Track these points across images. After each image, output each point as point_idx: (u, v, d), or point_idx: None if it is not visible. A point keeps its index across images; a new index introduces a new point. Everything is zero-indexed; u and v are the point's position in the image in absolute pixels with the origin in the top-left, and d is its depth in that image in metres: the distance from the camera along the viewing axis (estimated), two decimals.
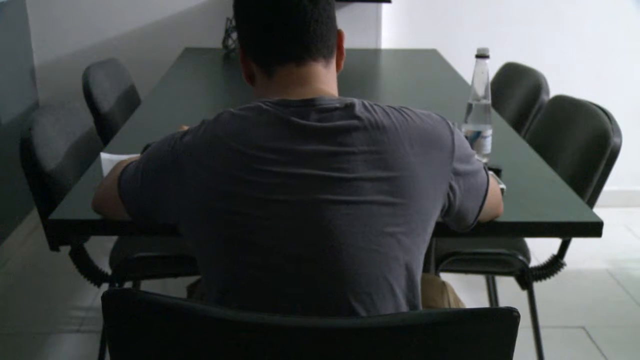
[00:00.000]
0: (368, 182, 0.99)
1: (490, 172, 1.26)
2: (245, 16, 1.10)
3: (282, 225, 0.98)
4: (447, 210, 1.11)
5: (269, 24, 1.07)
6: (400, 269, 1.02)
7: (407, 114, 1.05)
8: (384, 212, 1.00)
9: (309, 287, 0.99)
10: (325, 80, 1.11)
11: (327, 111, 1.02)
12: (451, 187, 1.07)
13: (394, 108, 1.05)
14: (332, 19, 1.11)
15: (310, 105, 1.03)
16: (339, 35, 1.15)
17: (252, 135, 1.00)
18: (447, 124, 1.08)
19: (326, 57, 1.11)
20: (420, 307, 1.10)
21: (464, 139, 1.10)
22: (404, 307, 1.05)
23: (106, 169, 1.51)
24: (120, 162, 1.30)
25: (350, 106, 1.03)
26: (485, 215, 1.25)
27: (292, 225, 0.98)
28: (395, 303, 1.03)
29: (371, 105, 1.04)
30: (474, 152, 1.13)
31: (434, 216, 1.07)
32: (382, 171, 1.00)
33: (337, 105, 1.03)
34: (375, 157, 1.00)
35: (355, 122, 1.01)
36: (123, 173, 1.16)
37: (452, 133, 1.07)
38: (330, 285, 0.99)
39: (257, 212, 0.98)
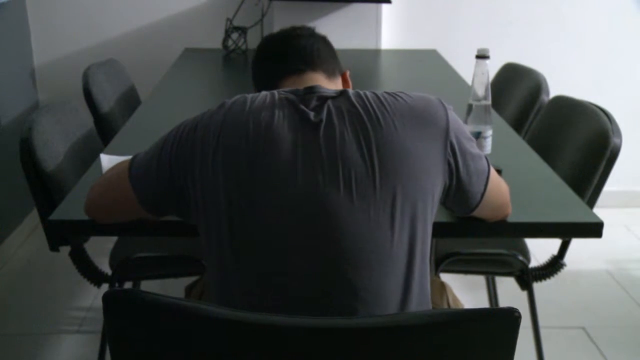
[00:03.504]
0: (362, 162, 1.04)
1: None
2: (257, 58, 1.31)
3: (284, 201, 1.03)
4: (447, 190, 1.13)
5: (273, 54, 1.27)
6: (400, 246, 1.05)
7: (399, 96, 1.11)
8: (382, 191, 1.03)
9: (311, 263, 1.02)
10: (328, 86, 1.18)
11: (325, 98, 1.10)
12: (449, 164, 1.10)
13: (388, 92, 1.12)
14: (325, 49, 1.28)
15: (312, 92, 1.11)
16: (344, 74, 1.31)
17: (265, 118, 1.07)
18: (441, 103, 1.13)
19: (327, 73, 1.24)
20: (429, 292, 1.13)
21: (459, 120, 1.14)
22: (409, 287, 1.07)
23: (106, 169, 1.50)
24: (116, 164, 1.30)
25: (344, 93, 1.11)
26: (492, 213, 1.27)
27: (293, 201, 1.03)
28: (397, 281, 1.05)
29: (364, 93, 1.11)
30: (473, 138, 1.16)
31: (436, 194, 1.10)
32: (376, 151, 1.04)
33: (333, 94, 1.11)
34: (368, 138, 1.05)
35: (348, 106, 1.08)
36: (133, 163, 1.19)
37: (446, 111, 1.11)
38: (331, 260, 1.02)
39: (264, 188, 1.03)
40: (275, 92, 1.13)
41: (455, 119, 1.12)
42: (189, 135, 1.10)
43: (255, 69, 1.31)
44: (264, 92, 1.13)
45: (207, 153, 1.07)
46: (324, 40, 1.30)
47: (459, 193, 1.15)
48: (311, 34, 1.29)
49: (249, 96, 1.12)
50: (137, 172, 1.17)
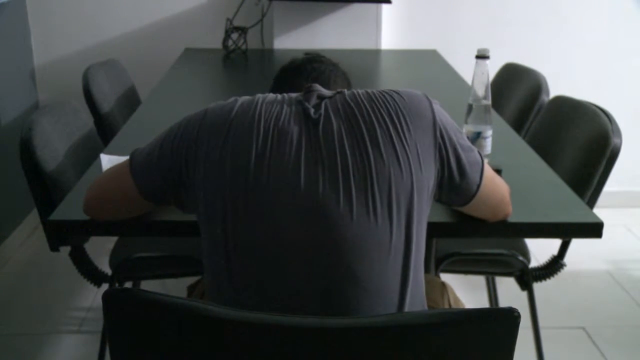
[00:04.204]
0: (359, 157, 1.07)
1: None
2: (277, 73, 1.37)
3: (288, 199, 1.05)
4: (440, 181, 1.15)
5: (292, 69, 1.34)
6: (399, 238, 1.07)
7: (386, 92, 1.15)
8: (379, 184, 1.06)
9: (313, 258, 1.04)
10: None
11: (323, 97, 1.15)
12: (440, 154, 1.13)
13: (378, 90, 1.16)
14: (342, 80, 1.34)
15: (311, 91, 1.16)
16: None
17: (274, 112, 1.11)
18: (426, 97, 1.17)
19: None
20: (423, 284, 1.14)
21: (446, 113, 1.18)
22: (407, 278, 1.08)
23: (106, 169, 1.50)
24: (111, 167, 1.30)
25: (341, 92, 1.16)
26: (491, 211, 1.29)
27: (296, 199, 1.05)
28: (396, 272, 1.07)
29: (357, 91, 1.16)
30: (462, 131, 1.20)
31: (430, 186, 1.12)
32: (370, 146, 1.07)
33: (330, 94, 1.15)
34: (362, 134, 1.08)
35: (343, 104, 1.12)
36: (134, 154, 1.21)
37: (431, 104, 1.15)
38: (334, 254, 1.04)
39: (270, 186, 1.06)
40: (285, 94, 1.18)
41: (441, 111, 1.16)
42: (195, 125, 1.13)
43: (274, 83, 1.37)
44: (274, 94, 1.18)
45: (215, 143, 1.09)
46: (344, 75, 1.37)
47: (452, 184, 1.16)
48: (334, 64, 1.37)
49: (260, 95, 1.17)
50: (138, 161, 1.19)
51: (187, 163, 1.12)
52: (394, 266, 1.07)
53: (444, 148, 1.13)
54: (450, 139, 1.14)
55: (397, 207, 1.06)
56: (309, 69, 1.32)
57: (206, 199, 1.09)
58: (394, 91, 1.16)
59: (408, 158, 1.08)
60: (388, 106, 1.12)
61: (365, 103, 1.12)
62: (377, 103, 1.12)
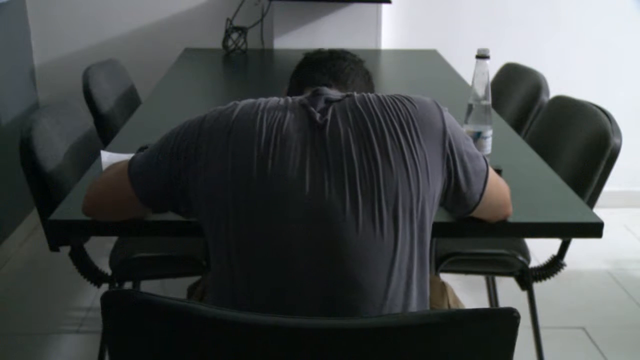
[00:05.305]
0: (366, 164, 1.05)
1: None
2: (299, 63, 1.35)
3: (292, 205, 1.04)
4: (446, 190, 1.14)
5: (312, 62, 1.31)
6: (404, 246, 1.06)
7: (398, 99, 1.13)
8: (385, 192, 1.05)
9: (316, 266, 1.03)
10: None
11: (332, 101, 1.12)
12: (448, 164, 1.12)
13: (389, 95, 1.14)
14: (361, 80, 1.30)
15: (319, 94, 1.15)
16: None
17: (277, 118, 1.10)
18: (437, 104, 1.15)
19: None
20: (428, 293, 1.13)
21: (455, 121, 1.16)
22: (410, 287, 1.07)
23: (106, 165, 1.50)
24: (115, 164, 1.30)
25: (350, 96, 1.13)
26: (492, 213, 1.28)
27: (301, 205, 1.04)
28: (400, 281, 1.06)
29: (367, 95, 1.13)
30: (470, 138, 1.18)
31: (436, 195, 1.11)
32: (378, 153, 1.06)
33: (339, 97, 1.13)
34: (371, 140, 1.07)
35: (352, 108, 1.10)
36: (133, 160, 1.20)
37: (441, 112, 1.14)
38: (338, 263, 1.03)
39: (273, 191, 1.05)
40: (289, 97, 1.16)
41: (451, 119, 1.15)
42: (194, 129, 1.12)
43: (295, 71, 1.35)
44: (277, 97, 1.16)
45: (215, 146, 1.08)
46: (365, 74, 1.33)
47: (457, 193, 1.16)
48: (356, 62, 1.33)
49: (262, 99, 1.15)
50: (137, 165, 1.18)
51: (186, 167, 1.11)
52: (398, 276, 1.06)
53: (451, 158, 1.12)
54: (459, 149, 1.13)
55: (402, 218, 1.05)
56: (329, 65, 1.29)
57: (208, 203, 1.08)
58: (405, 98, 1.14)
59: (416, 169, 1.07)
60: (399, 114, 1.10)
61: (376, 109, 1.10)
62: (388, 110, 1.10)
